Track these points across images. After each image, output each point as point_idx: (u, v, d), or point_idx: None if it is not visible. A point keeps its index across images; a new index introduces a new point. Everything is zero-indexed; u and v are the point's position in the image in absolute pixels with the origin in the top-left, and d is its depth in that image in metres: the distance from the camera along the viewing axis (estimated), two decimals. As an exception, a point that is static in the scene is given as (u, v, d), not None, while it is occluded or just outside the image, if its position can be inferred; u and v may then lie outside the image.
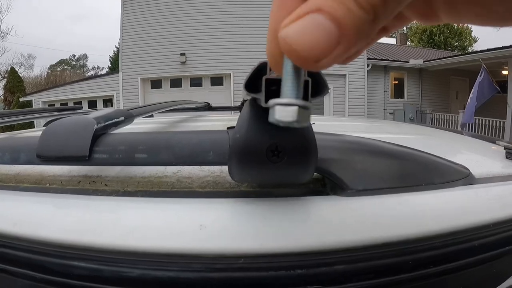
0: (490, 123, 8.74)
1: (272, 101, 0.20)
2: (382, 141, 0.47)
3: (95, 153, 0.40)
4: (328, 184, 0.41)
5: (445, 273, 0.37)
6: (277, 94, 0.27)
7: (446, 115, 10.66)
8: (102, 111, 0.52)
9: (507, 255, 0.42)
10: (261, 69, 0.28)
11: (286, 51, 0.18)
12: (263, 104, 0.28)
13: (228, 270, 0.33)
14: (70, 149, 0.40)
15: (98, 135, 0.41)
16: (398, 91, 11.66)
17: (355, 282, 0.34)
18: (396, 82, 11.66)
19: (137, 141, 0.41)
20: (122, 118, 0.52)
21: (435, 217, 0.38)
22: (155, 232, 0.36)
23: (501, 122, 8.66)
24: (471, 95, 7.96)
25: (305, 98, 0.27)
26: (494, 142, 0.89)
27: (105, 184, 0.45)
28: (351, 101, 10.50)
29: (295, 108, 0.19)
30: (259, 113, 0.34)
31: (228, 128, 0.42)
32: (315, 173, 0.38)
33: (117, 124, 0.49)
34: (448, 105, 11.99)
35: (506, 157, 0.63)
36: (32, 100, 12.24)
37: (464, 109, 9.20)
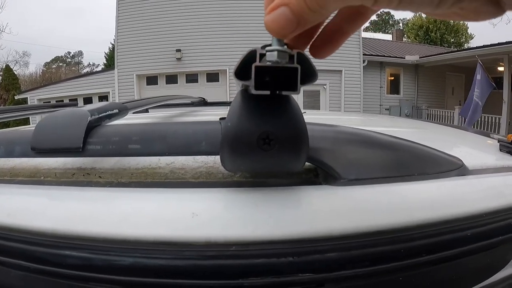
0: (486, 119, 8.79)
1: (267, 48, 0.28)
2: (375, 132, 0.47)
3: (88, 144, 0.40)
4: (320, 174, 0.42)
5: (438, 262, 0.37)
6: (266, 82, 0.28)
7: (442, 111, 10.70)
8: (96, 104, 0.52)
9: (501, 245, 0.42)
10: (251, 57, 0.28)
11: (267, 30, 0.26)
12: (253, 91, 0.28)
13: (219, 257, 0.33)
14: (64, 141, 0.40)
15: (92, 127, 0.41)
16: (394, 87, 11.69)
17: (348, 269, 0.33)
18: (392, 78, 11.68)
19: (131, 132, 0.41)
20: (116, 110, 0.52)
21: (428, 206, 0.38)
22: (147, 220, 0.36)
23: (497, 118, 8.70)
24: (475, 94, 7.93)
25: (294, 85, 0.28)
26: (488, 136, 0.89)
27: (99, 176, 0.45)
28: (347, 97, 10.51)
29: (276, 52, 0.27)
30: (250, 102, 0.34)
31: (220, 118, 0.42)
32: (307, 164, 0.38)
33: (111, 117, 0.49)
34: (444, 101, 12.03)
35: (500, 150, 0.63)
36: (27, 97, 12.16)
37: (460, 105, 9.24)
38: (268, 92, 0.28)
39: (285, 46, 0.28)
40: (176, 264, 0.33)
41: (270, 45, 0.28)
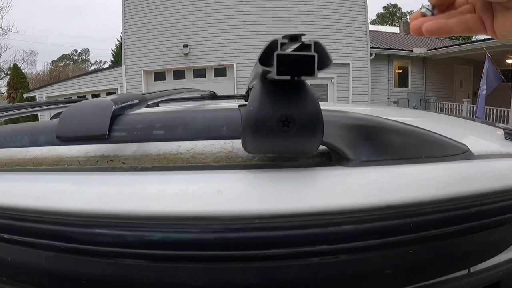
0: (494, 112, 8.70)
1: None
2: (384, 118, 0.49)
3: (114, 131, 0.42)
4: (333, 158, 0.44)
5: (445, 237, 0.40)
6: (286, 69, 0.31)
7: (450, 104, 10.62)
8: (116, 95, 0.54)
9: (505, 225, 0.44)
10: (273, 45, 0.31)
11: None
12: (275, 77, 0.31)
13: (244, 230, 0.36)
14: (90, 128, 0.42)
15: (116, 116, 0.43)
16: (401, 80, 11.60)
17: (361, 241, 0.37)
18: (400, 71, 11.59)
19: (154, 119, 0.44)
20: (137, 100, 0.55)
21: (434, 184, 0.41)
22: (175, 198, 0.39)
23: (505, 111, 8.62)
24: (483, 88, 7.88)
25: (312, 71, 0.31)
26: (494, 126, 0.91)
27: (122, 162, 0.47)
28: (355, 90, 10.47)
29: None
30: (270, 88, 0.37)
31: (239, 106, 0.45)
32: (321, 148, 0.41)
33: (132, 106, 0.52)
34: (452, 94, 11.93)
35: (505, 138, 0.65)
36: (36, 95, 12.26)
37: (468, 97, 9.17)
38: (288, 77, 0.31)
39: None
40: (204, 237, 0.36)
41: (289, 36, 0.31)
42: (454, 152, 0.48)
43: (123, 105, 0.48)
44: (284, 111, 0.35)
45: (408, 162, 0.44)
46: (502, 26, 0.37)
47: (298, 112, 0.35)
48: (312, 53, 0.31)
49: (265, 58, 0.32)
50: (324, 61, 0.32)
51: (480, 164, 0.48)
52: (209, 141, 0.50)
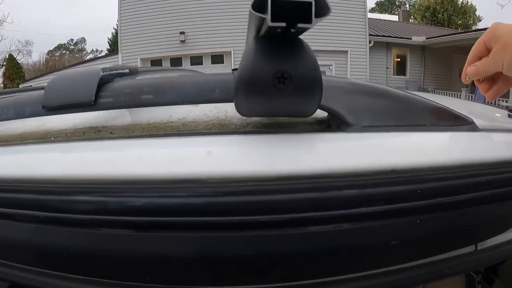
0: (493, 102, 8.67)
1: None
2: (386, 86, 0.47)
3: (101, 98, 0.40)
4: (333, 125, 0.42)
5: (454, 207, 0.37)
6: (282, 14, 0.28)
7: (449, 93, 10.58)
8: (107, 65, 0.53)
9: None
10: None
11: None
12: (269, 23, 0.28)
13: (235, 193, 0.33)
14: (76, 96, 0.40)
15: (104, 82, 0.41)
16: (400, 68, 11.55)
17: (365, 207, 0.34)
18: (399, 59, 11.53)
19: (143, 83, 0.41)
20: (127, 70, 0.53)
21: (441, 150, 0.39)
22: (161, 161, 0.36)
23: (504, 101, 8.59)
24: None
25: (309, 18, 0.28)
26: (497, 106, 0.89)
27: (110, 132, 0.45)
28: (353, 78, 10.38)
29: None
30: (265, 43, 0.34)
31: (233, 70, 0.42)
32: (320, 115, 0.38)
33: (122, 75, 0.50)
34: (451, 83, 11.88)
35: (509, 116, 0.64)
36: (32, 86, 12.16)
37: (466, 87, 9.12)
38: (284, 24, 0.28)
39: None
40: (191, 202, 0.33)
41: None
42: (460, 123, 0.46)
43: (112, 72, 0.46)
44: (280, 66, 0.32)
45: (412, 129, 0.41)
46: None
47: (295, 67, 0.32)
48: None
49: (258, 4, 0.29)
50: (322, 8, 0.29)
51: (487, 135, 0.46)
52: (202, 110, 0.48)
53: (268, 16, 0.28)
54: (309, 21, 0.28)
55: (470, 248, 0.43)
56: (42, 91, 0.43)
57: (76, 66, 12.34)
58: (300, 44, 0.33)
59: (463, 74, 0.47)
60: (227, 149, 0.37)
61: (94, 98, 0.40)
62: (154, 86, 0.41)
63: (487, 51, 0.45)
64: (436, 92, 11.01)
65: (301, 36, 0.34)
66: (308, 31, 0.30)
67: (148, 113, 0.50)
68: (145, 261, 0.35)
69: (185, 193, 0.33)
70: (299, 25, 0.29)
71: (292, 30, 0.30)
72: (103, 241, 0.36)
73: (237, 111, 0.36)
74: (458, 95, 9.99)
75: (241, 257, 0.33)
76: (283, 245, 0.33)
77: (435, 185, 0.36)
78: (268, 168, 0.33)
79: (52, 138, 0.47)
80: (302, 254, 0.34)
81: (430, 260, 0.40)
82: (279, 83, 0.32)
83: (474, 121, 0.48)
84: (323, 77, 0.34)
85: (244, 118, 0.42)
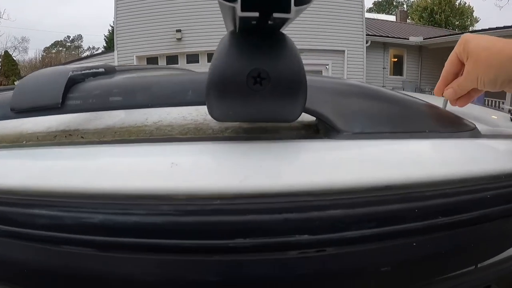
0: (489, 104, 8.68)
1: None
2: (382, 87, 0.42)
3: (68, 100, 0.37)
4: (321, 130, 0.37)
5: (455, 226, 0.32)
6: (254, 2, 0.23)
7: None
8: (81, 64, 0.50)
9: None
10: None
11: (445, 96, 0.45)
12: (239, 13, 0.23)
13: (201, 213, 0.28)
14: (43, 98, 0.38)
15: (73, 83, 0.39)
16: (397, 69, 11.52)
17: (353, 230, 0.28)
18: (396, 59, 11.51)
19: (113, 84, 0.39)
20: (102, 70, 0.49)
21: (442, 162, 0.34)
22: (121, 172, 0.31)
23: (500, 102, 8.60)
24: None
25: (286, 5, 0.23)
26: (498, 109, 0.86)
27: (81, 137, 0.42)
28: (350, 78, 10.37)
29: None
30: (240, 39, 0.29)
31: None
32: (307, 118, 0.34)
33: (96, 75, 0.46)
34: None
35: (511, 120, 0.62)
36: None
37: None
38: (256, 14, 0.23)
39: None
40: (151, 221, 0.28)
41: None
42: (462, 129, 0.42)
43: (83, 72, 0.43)
44: (256, 64, 0.27)
45: (409, 136, 0.36)
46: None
47: (273, 66, 0.27)
48: None
49: None
50: None
51: (492, 143, 0.42)
52: (180, 113, 0.45)
53: (237, 5, 0.23)
54: (287, 10, 0.23)
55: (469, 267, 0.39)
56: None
57: (73, 64, 12.27)
58: (280, 39, 0.29)
59: (436, 89, 0.47)
60: (196, 159, 0.32)
61: (61, 101, 0.37)
62: (123, 87, 0.38)
63: (461, 63, 0.44)
64: (433, 92, 11.02)
65: (290, 33, 0.30)
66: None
67: (125, 115, 0.47)
68: (102, 283, 0.30)
69: (143, 210, 0.28)
70: (276, 15, 0.24)
71: (269, 22, 0.26)
72: (59, 258, 0.31)
73: (210, 115, 0.31)
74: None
75: (207, 284, 0.28)
76: (255, 273, 0.28)
77: (435, 203, 0.31)
78: (239, 184, 0.28)
79: (24, 142, 0.44)
80: (279, 283, 0.28)
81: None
82: (255, 83, 0.27)
83: (476, 126, 0.44)
84: (309, 77, 0.30)
85: (222, 122, 0.38)
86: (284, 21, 0.26)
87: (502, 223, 0.36)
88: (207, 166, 0.30)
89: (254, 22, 0.25)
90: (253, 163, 0.30)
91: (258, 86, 0.27)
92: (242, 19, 0.24)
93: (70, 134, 0.43)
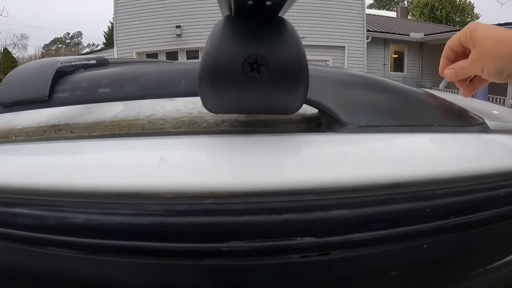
0: (490, 100, 8.65)
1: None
2: (389, 79, 0.40)
3: (56, 92, 0.36)
4: (323, 123, 0.35)
5: (469, 226, 0.29)
6: None
7: (447, 90, 10.54)
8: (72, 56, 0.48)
9: None
10: None
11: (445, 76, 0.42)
12: None
13: (191, 213, 0.25)
14: (31, 91, 0.37)
15: (61, 75, 0.37)
16: (398, 65, 11.47)
17: (360, 232, 0.26)
18: (396, 55, 11.46)
19: (102, 76, 0.37)
20: (94, 61, 0.47)
21: (453, 158, 0.31)
22: (105, 169, 0.29)
23: (502, 100, 8.58)
24: None
25: None
26: (502, 105, 0.84)
27: (71, 131, 0.41)
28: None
29: None
30: (236, 22, 0.27)
31: None
32: (308, 111, 0.32)
33: (86, 66, 0.44)
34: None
35: None
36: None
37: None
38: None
39: None
40: (137, 221, 0.25)
41: None
42: (471, 123, 0.39)
43: (72, 63, 0.41)
44: (254, 49, 0.25)
45: (418, 130, 0.34)
46: None
47: (272, 51, 0.25)
48: None
49: None
50: None
51: (503, 138, 0.40)
52: (176, 105, 0.43)
53: None
54: None
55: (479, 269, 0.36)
56: None
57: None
58: (279, 23, 0.26)
59: (440, 68, 0.45)
60: (187, 154, 0.29)
61: (48, 93, 0.36)
62: (113, 78, 0.36)
63: (462, 47, 0.43)
64: (434, 89, 10.99)
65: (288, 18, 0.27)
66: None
67: (117, 108, 0.45)
68: (86, 285, 0.28)
69: (129, 210, 0.25)
70: None
71: (267, 2, 0.23)
72: (43, 259, 0.29)
73: (204, 106, 0.28)
74: (456, 92, 9.95)
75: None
76: (252, 279, 0.25)
77: (448, 201, 0.28)
78: (233, 181, 0.25)
79: (13, 137, 0.43)
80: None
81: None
82: (252, 70, 0.25)
83: (485, 121, 0.42)
84: (310, 67, 0.27)
85: (218, 115, 0.36)
86: (282, 3, 0.23)
87: None
88: (198, 162, 0.28)
89: (250, 2, 0.23)
90: (249, 158, 0.27)
91: (255, 73, 0.25)
92: (237, 0, 0.22)
93: (59, 129, 0.41)
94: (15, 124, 0.45)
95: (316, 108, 0.32)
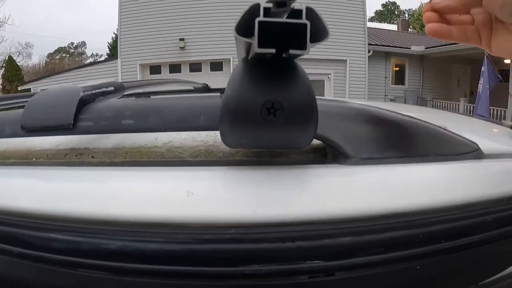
0: (491, 112, 8.68)
1: None
2: (388, 110, 0.43)
3: (80, 121, 0.37)
4: (329, 154, 0.38)
5: (457, 250, 0.33)
6: (271, 41, 0.24)
7: (447, 103, 10.58)
8: (90, 82, 0.50)
9: None
10: (254, 11, 0.24)
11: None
12: (255, 49, 0.24)
13: (217, 241, 0.29)
14: (54, 118, 0.38)
15: (84, 104, 0.39)
16: (399, 78, 11.56)
17: (361, 256, 0.30)
18: (397, 68, 11.56)
19: (125, 107, 0.39)
20: (112, 88, 0.50)
21: (447, 187, 0.35)
22: (136, 200, 0.32)
23: (503, 111, 8.60)
24: (484, 86, 7.85)
25: (303, 43, 0.25)
26: (499, 124, 0.86)
27: (92, 156, 0.42)
28: (352, 87, 10.39)
29: None
30: (254, 68, 0.30)
31: (221, 92, 0.39)
32: (314, 142, 0.35)
33: (105, 94, 0.47)
34: (449, 93, 11.89)
35: None
36: (31, 88, 12.10)
37: (465, 96, 9.14)
38: (273, 51, 0.25)
39: None
40: (168, 248, 0.29)
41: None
42: (465, 150, 0.42)
43: (93, 91, 0.44)
44: (270, 96, 0.28)
45: (416, 160, 0.37)
46: (501, 46, 0.37)
47: (287, 97, 0.28)
48: (304, 20, 0.24)
49: (244, 26, 0.25)
50: (319, 32, 0.25)
51: (494, 165, 0.43)
52: (190, 133, 0.46)
53: (255, 41, 0.24)
54: (303, 47, 0.25)
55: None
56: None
57: (76, 70, 12.34)
58: (294, 70, 0.30)
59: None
60: (209, 187, 0.33)
61: (73, 122, 0.37)
62: (136, 110, 0.39)
63: None
64: (435, 101, 11.04)
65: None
66: None
67: (135, 135, 0.47)
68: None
69: (160, 238, 0.29)
70: (292, 51, 0.25)
71: (284, 55, 0.27)
72: (73, 281, 0.32)
73: (223, 142, 0.32)
74: (457, 104, 10.00)
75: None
76: None
77: (438, 228, 0.32)
78: (254, 214, 0.30)
79: (34, 159, 0.45)
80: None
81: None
82: (268, 114, 0.28)
83: (479, 147, 0.45)
84: (318, 102, 0.31)
85: (234, 147, 0.39)
86: (298, 55, 0.27)
87: (503, 244, 0.37)
88: (221, 195, 0.32)
89: (269, 55, 0.26)
90: (266, 191, 0.31)
91: (271, 117, 0.28)
92: (258, 53, 0.25)
93: (80, 153, 0.43)
94: (32, 145, 0.47)
95: (324, 142, 0.36)
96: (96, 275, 0.30)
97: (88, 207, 0.32)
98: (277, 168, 0.35)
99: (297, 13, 0.25)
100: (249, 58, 0.31)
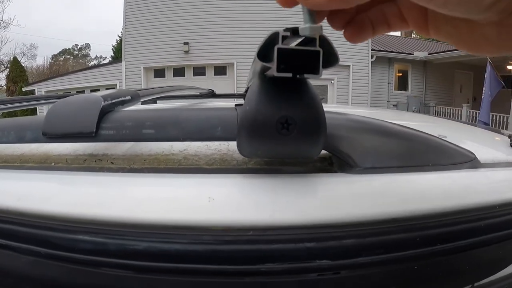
0: (494, 118, 8.70)
1: (301, 27, 0.28)
2: (390, 122, 0.47)
3: (102, 129, 0.39)
4: (335, 163, 0.42)
5: (452, 252, 0.37)
6: (288, 65, 0.28)
7: (450, 109, 10.61)
8: (108, 91, 0.52)
9: None
10: (273, 39, 0.28)
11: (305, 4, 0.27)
12: (275, 73, 0.28)
13: (237, 242, 0.33)
14: (77, 125, 0.39)
15: (105, 112, 0.41)
16: (402, 83, 11.61)
17: (364, 256, 0.34)
18: (400, 74, 11.60)
19: (145, 117, 0.41)
20: (129, 97, 0.52)
21: (442, 195, 0.38)
22: (162, 205, 0.36)
23: (505, 117, 8.62)
24: (487, 92, 7.88)
25: (316, 68, 0.28)
26: (498, 132, 0.89)
27: (111, 162, 0.45)
28: (355, 92, 10.45)
29: (308, 27, 0.28)
30: (269, 86, 0.34)
31: (236, 105, 0.42)
32: (322, 152, 0.38)
33: (123, 103, 0.49)
34: (452, 99, 11.92)
35: (510, 145, 0.63)
36: (35, 89, 12.21)
37: (468, 102, 9.16)
38: (290, 75, 0.28)
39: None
40: (193, 248, 0.33)
41: (291, 28, 0.28)
42: (462, 160, 0.45)
43: (113, 101, 0.46)
44: (284, 112, 0.32)
45: (415, 170, 0.41)
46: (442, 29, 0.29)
47: (300, 113, 0.32)
48: (317, 48, 0.28)
49: (264, 53, 0.29)
50: (330, 57, 0.29)
51: (489, 174, 0.46)
52: (203, 142, 0.48)
53: (274, 66, 0.28)
54: (316, 72, 0.28)
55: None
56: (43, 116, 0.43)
57: (80, 72, 12.40)
58: (306, 88, 0.34)
59: None
60: (228, 193, 0.37)
61: (95, 130, 0.39)
62: (156, 120, 0.41)
63: None
64: (437, 107, 11.06)
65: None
66: None
67: (150, 143, 0.49)
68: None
69: (186, 240, 0.33)
70: (306, 75, 0.29)
71: (298, 76, 0.30)
72: (102, 280, 0.35)
73: (239, 152, 0.36)
74: (459, 110, 10.01)
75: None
76: None
77: (433, 232, 0.36)
78: (269, 218, 0.34)
79: (53, 164, 0.47)
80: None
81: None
82: (282, 128, 0.32)
83: (476, 156, 0.48)
84: (326, 114, 0.34)
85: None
86: (310, 78, 0.31)
87: (496, 248, 0.40)
88: (240, 201, 0.36)
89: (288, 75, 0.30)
90: (280, 198, 0.35)
91: (285, 131, 0.32)
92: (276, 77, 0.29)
93: (99, 159, 0.45)
94: (49, 149, 0.50)
95: (331, 153, 0.40)
96: (127, 274, 0.34)
97: (117, 211, 0.35)
98: (289, 176, 0.38)
99: (311, 41, 0.28)
100: (265, 77, 0.35)
